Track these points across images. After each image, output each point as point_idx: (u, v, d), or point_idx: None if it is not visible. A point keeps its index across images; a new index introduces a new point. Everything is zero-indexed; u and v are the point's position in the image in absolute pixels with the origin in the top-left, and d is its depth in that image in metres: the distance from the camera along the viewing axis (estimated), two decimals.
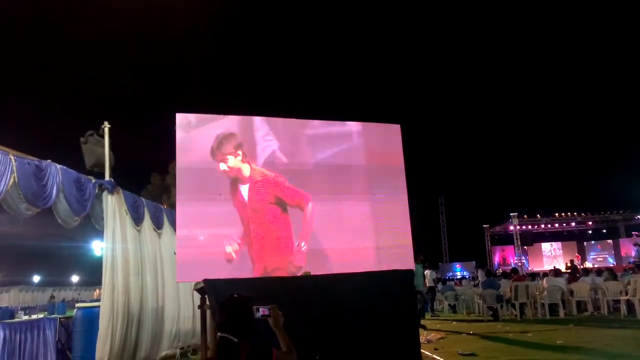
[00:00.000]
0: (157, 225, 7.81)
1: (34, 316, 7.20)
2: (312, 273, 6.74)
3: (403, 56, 52.16)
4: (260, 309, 2.81)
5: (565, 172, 41.68)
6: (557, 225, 38.03)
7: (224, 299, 2.75)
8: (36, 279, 43.83)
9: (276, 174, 5.87)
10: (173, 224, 8.08)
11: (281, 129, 6.17)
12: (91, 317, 6.33)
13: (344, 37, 53.00)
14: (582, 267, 27.93)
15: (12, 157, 5.00)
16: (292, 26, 50.58)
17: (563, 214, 37.22)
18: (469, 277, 31.03)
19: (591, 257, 38.58)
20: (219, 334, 2.64)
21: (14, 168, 4.97)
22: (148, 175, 29.52)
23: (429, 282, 15.19)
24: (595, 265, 31.76)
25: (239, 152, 5.76)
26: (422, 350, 6.12)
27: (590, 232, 39.36)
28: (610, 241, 38.98)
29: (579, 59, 45.89)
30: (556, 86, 45.62)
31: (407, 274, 6.24)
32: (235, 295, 2.73)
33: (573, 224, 37.95)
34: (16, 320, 7.05)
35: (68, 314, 8.26)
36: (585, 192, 40.23)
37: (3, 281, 36.83)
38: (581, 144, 43.67)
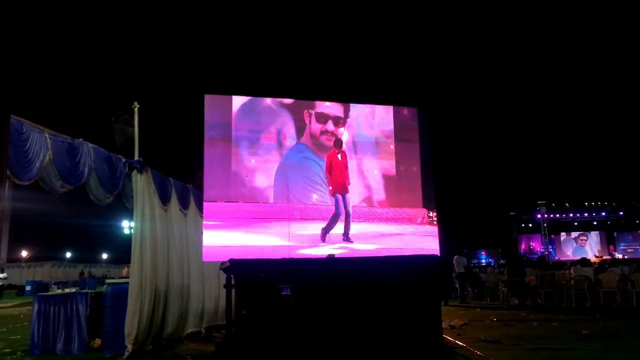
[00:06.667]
0: (184, 205, 7.92)
1: (67, 290, 7.45)
2: (335, 255, 6.81)
3: (432, 41, 51.16)
4: (283, 288, 2.87)
5: (596, 161, 40.49)
6: (586, 214, 37.20)
7: (252, 279, 2.81)
8: (68, 255, 45.38)
9: None
10: (198, 204, 8.19)
11: None
12: (120, 293, 6.51)
13: (375, 18, 52.25)
14: (601, 258, 27.37)
15: (46, 135, 5.14)
16: (311, 10, 50.06)
17: (593, 203, 36.36)
18: (494, 264, 30.73)
19: (621, 247, 37.64)
20: (242, 311, 2.70)
21: (49, 145, 5.12)
22: (175, 156, 29.99)
23: (458, 269, 14.27)
24: (625, 256, 30.98)
25: None
26: (445, 336, 6.12)
27: (622, 222, 38.35)
28: None
29: (618, 45, 44.22)
30: (587, 72, 44.13)
31: (431, 259, 6.23)
32: (262, 275, 2.78)
33: (603, 213, 37.04)
34: (50, 293, 7.34)
35: (98, 289, 8.54)
36: (616, 181, 39.10)
37: (37, 256, 38.30)
38: (614, 132, 42.27)
